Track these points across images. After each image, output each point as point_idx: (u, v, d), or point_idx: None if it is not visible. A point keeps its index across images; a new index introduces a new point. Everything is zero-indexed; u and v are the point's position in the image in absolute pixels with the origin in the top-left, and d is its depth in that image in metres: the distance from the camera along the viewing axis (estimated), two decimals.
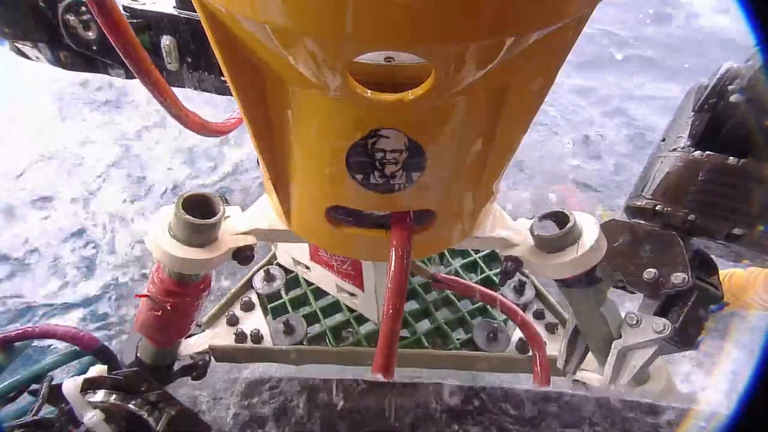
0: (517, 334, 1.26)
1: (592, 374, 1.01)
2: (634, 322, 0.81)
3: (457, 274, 1.45)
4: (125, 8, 0.82)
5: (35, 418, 0.67)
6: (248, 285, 1.42)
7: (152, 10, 0.84)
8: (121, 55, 0.64)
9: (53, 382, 0.70)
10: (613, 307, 0.83)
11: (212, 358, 1.21)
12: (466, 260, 1.50)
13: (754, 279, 1.28)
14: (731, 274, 1.34)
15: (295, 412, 0.48)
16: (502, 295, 1.19)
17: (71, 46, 0.89)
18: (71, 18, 0.85)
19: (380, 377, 0.56)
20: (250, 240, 0.77)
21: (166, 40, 0.86)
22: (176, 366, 0.99)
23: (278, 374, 1.45)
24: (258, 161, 0.64)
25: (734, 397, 0.39)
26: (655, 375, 0.93)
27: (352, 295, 1.29)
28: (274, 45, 0.40)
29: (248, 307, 1.35)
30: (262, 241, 0.81)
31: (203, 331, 1.26)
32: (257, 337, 1.26)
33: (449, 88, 0.42)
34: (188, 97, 0.79)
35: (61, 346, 0.89)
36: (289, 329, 1.28)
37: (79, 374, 0.74)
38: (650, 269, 0.79)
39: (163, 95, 0.71)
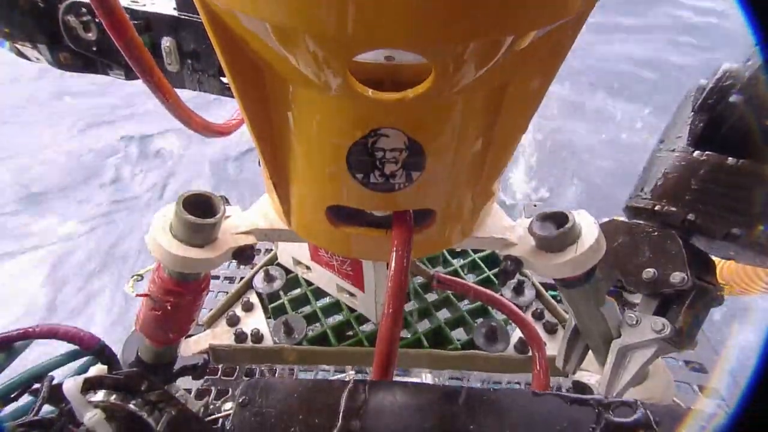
0: (516, 334, 1.26)
1: (592, 374, 1.01)
2: (634, 321, 0.81)
3: (456, 274, 1.45)
4: (125, 9, 0.82)
5: (35, 417, 0.67)
6: (248, 285, 1.42)
7: (152, 11, 0.84)
8: (124, 55, 0.64)
9: (54, 382, 0.70)
10: (612, 307, 0.83)
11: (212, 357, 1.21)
12: (466, 260, 1.50)
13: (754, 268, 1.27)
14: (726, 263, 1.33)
15: (294, 414, 0.48)
16: (501, 295, 1.19)
17: (71, 47, 0.89)
18: (71, 19, 0.85)
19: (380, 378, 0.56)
20: (250, 239, 0.77)
21: (166, 41, 0.86)
22: (176, 365, 0.99)
23: (278, 374, 1.45)
24: (259, 161, 0.64)
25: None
26: (654, 374, 0.93)
27: (352, 295, 1.30)
28: (274, 43, 0.40)
29: (248, 307, 1.35)
30: (263, 241, 0.81)
31: (204, 330, 1.27)
32: (257, 337, 1.27)
33: (449, 86, 0.43)
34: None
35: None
36: (289, 329, 1.28)
37: (79, 374, 0.74)
38: (649, 269, 0.79)
39: (166, 96, 0.71)
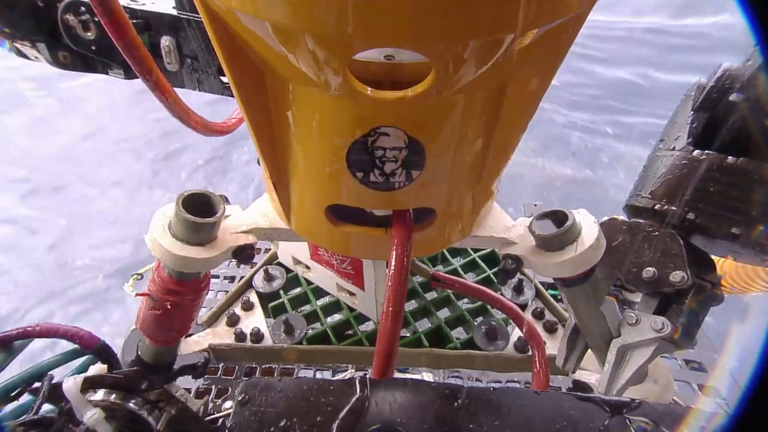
0: (516, 333, 1.26)
1: (592, 373, 1.01)
2: (634, 321, 0.81)
3: (456, 273, 1.45)
4: (124, 8, 0.82)
5: (35, 417, 0.67)
6: (248, 284, 1.42)
7: (152, 10, 0.84)
8: (123, 54, 0.64)
9: (53, 381, 0.70)
10: (612, 306, 0.83)
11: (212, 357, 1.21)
12: (465, 259, 1.50)
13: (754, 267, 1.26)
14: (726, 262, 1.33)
15: (294, 413, 0.48)
16: (501, 294, 1.19)
17: (70, 46, 0.89)
18: (70, 18, 0.85)
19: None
20: (250, 239, 0.77)
21: (165, 41, 0.86)
22: (176, 365, 0.99)
23: (278, 373, 1.45)
24: (258, 160, 0.64)
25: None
26: (654, 373, 0.94)
27: (352, 294, 1.30)
28: (275, 42, 0.40)
29: (248, 306, 1.35)
30: (263, 240, 0.81)
31: (204, 329, 1.27)
32: (257, 337, 1.27)
33: (449, 86, 0.43)
34: None
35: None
36: (289, 329, 1.28)
37: (79, 373, 0.74)
38: (649, 268, 0.79)
39: (165, 95, 0.71)
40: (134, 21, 0.82)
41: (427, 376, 1.45)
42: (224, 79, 0.89)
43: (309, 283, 1.44)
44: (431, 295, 1.40)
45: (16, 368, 0.83)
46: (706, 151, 0.75)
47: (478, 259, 1.49)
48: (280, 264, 1.48)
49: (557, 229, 0.73)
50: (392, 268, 0.58)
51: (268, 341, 1.27)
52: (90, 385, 0.67)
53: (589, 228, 0.74)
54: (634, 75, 4.94)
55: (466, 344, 1.27)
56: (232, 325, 1.30)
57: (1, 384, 0.78)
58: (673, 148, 0.80)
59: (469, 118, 0.50)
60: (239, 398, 0.49)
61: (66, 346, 0.89)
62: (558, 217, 0.75)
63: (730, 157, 0.72)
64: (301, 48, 0.39)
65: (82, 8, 0.84)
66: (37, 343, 0.90)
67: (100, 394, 0.67)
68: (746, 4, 0.38)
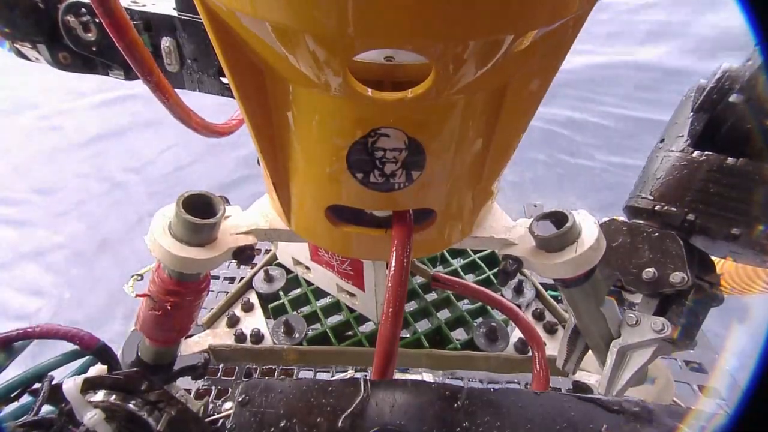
0: (516, 334, 1.26)
1: (592, 374, 1.01)
2: (634, 321, 0.81)
3: (456, 274, 1.45)
4: (125, 10, 0.82)
5: (35, 417, 0.67)
6: (248, 285, 1.42)
7: (152, 11, 0.84)
8: (124, 55, 0.64)
9: (53, 382, 0.70)
10: (612, 307, 0.83)
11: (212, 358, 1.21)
12: (465, 260, 1.50)
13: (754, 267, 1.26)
14: (726, 263, 1.33)
15: (294, 414, 0.48)
16: (501, 295, 1.19)
17: (71, 47, 0.89)
18: (71, 19, 0.85)
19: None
20: (250, 239, 0.77)
21: (165, 42, 0.86)
22: (176, 365, 0.99)
23: (278, 375, 1.45)
24: (258, 161, 0.64)
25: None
26: (654, 374, 0.94)
27: (352, 295, 1.30)
28: (275, 43, 0.40)
29: (248, 307, 1.35)
30: (263, 241, 0.81)
31: (204, 330, 1.27)
32: (257, 338, 1.27)
33: (449, 86, 0.43)
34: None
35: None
36: (289, 329, 1.28)
37: (79, 374, 0.74)
38: (649, 269, 0.79)
39: (165, 96, 0.71)
40: (135, 22, 0.83)
41: (427, 377, 1.45)
42: (224, 80, 0.89)
43: (309, 284, 1.44)
44: (431, 296, 1.40)
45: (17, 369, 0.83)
46: (706, 152, 0.75)
47: (478, 260, 1.49)
48: (280, 265, 1.48)
49: (557, 230, 0.73)
50: (392, 269, 0.58)
51: (268, 342, 1.27)
52: (90, 385, 0.67)
53: (589, 229, 0.74)
54: None
55: (466, 345, 1.27)
56: (232, 325, 1.30)
57: (1, 385, 0.78)
58: (673, 149, 0.80)
59: (469, 118, 0.50)
60: (239, 399, 0.49)
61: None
62: (558, 218, 0.74)
63: (729, 158, 0.73)
64: (301, 49, 0.39)
65: (83, 9, 0.84)
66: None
67: (100, 395, 0.67)
68: (746, 4, 0.38)
